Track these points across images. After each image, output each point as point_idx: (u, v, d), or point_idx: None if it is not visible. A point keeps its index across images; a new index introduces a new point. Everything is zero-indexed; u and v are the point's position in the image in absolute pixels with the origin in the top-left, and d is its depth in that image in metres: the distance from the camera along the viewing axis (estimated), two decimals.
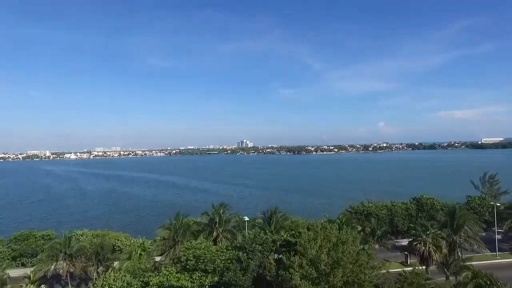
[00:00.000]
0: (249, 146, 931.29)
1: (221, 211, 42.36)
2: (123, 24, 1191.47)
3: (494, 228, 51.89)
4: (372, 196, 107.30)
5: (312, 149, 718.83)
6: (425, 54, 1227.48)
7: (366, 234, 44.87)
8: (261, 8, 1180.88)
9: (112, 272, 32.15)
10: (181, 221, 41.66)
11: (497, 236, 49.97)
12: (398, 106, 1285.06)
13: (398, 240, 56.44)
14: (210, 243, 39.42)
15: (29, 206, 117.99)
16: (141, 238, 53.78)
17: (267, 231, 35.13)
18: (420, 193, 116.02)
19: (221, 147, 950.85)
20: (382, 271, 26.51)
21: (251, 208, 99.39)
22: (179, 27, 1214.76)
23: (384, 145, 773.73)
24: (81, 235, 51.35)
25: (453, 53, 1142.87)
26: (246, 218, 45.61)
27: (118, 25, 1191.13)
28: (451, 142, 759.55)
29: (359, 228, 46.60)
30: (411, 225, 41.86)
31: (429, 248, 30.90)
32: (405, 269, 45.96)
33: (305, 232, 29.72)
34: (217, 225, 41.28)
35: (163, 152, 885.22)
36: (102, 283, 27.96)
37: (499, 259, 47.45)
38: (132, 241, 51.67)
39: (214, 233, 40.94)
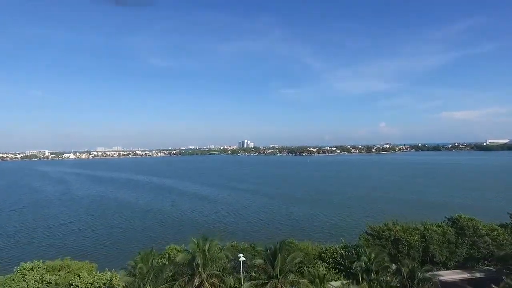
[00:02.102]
0: (250, 146, 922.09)
1: (206, 247, 30.78)
2: (124, 24, 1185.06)
3: None
4: (391, 206, 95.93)
5: (314, 150, 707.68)
6: (425, 54, 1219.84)
7: (403, 277, 33.27)
8: (261, 8, 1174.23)
9: None
10: (151, 262, 30.12)
11: None
12: (398, 106, 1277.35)
13: (435, 273, 44.83)
14: None
15: (7, 216, 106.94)
16: (109, 272, 42.45)
17: None
18: (441, 200, 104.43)
19: (222, 147, 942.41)
20: None
21: (253, 222, 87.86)
22: (179, 27, 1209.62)
23: (387, 146, 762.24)
24: (30, 270, 39.86)
25: (454, 53, 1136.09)
26: (242, 258, 34.00)
27: (119, 25, 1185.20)
28: (455, 143, 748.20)
29: (393, 267, 35.07)
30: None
31: None
32: None
33: None
34: (200, 268, 29.71)
35: (163, 152, 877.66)
36: None
37: None
38: (96, 277, 40.18)
39: (196, 280, 29.41)
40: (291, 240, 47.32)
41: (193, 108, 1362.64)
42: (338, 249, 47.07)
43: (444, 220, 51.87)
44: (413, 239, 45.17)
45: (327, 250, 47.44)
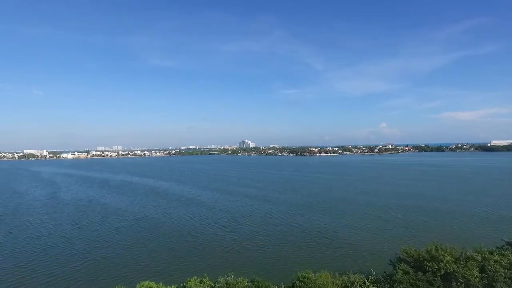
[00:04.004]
0: (250, 146, 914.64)
1: None
2: (124, 24, 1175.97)
3: None
4: (414, 217, 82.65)
5: (316, 150, 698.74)
6: (427, 55, 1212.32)
7: None
8: (262, 9, 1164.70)
9: None
10: None
11: None
12: (400, 107, 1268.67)
13: None
14: None
15: None
16: None
17: None
18: (473, 209, 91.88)
19: (222, 147, 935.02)
20: None
21: (255, 238, 75.82)
22: (180, 27, 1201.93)
23: (390, 146, 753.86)
24: None
25: (455, 54, 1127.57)
26: None
27: (119, 25, 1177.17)
28: (458, 144, 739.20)
29: None
30: None
31: None
32: None
33: None
34: None
35: (163, 152, 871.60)
36: None
37: None
38: None
39: None
40: (306, 273, 35.92)
41: (193, 108, 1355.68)
42: (367, 283, 35.80)
43: (503, 246, 40.54)
44: (472, 275, 33.74)
45: (352, 285, 36.10)
